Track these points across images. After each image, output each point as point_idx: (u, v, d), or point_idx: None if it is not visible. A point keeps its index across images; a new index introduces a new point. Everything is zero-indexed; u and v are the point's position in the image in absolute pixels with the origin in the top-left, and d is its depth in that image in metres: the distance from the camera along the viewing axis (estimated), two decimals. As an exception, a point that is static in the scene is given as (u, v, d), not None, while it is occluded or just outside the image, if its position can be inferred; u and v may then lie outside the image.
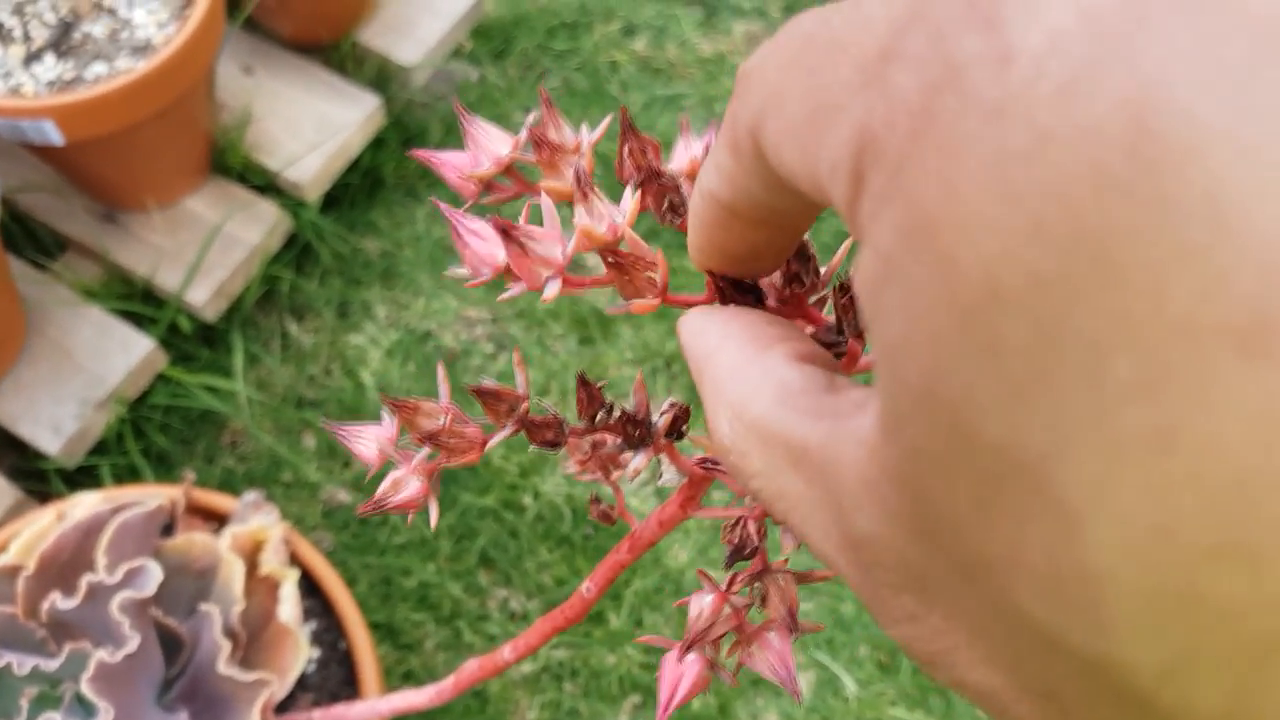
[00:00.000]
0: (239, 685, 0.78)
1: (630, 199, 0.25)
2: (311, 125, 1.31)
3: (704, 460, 0.30)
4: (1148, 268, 0.11)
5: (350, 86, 1.35)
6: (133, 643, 0.74)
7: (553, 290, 0.25)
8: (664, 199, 0.26)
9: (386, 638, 1.16)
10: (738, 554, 0.29)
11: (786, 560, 0.30)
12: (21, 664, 0.74)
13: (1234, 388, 0.10)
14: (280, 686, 0.80)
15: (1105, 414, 0.11)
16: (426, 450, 0.29)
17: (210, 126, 1.26)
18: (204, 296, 1.22)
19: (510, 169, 0.29)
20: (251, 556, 0.86)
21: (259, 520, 0.89)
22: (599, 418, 0.28)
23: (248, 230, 1.26)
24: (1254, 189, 0.10)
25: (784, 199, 0.18)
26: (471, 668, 0.51)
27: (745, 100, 0.17)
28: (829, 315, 0.26)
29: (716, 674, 0.31)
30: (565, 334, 1.31)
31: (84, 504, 0.87)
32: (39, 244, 1.28)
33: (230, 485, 1.22)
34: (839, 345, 0.25)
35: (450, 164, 0.29)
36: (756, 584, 0.30)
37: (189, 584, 0.84)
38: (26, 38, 1.14)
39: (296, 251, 1.33)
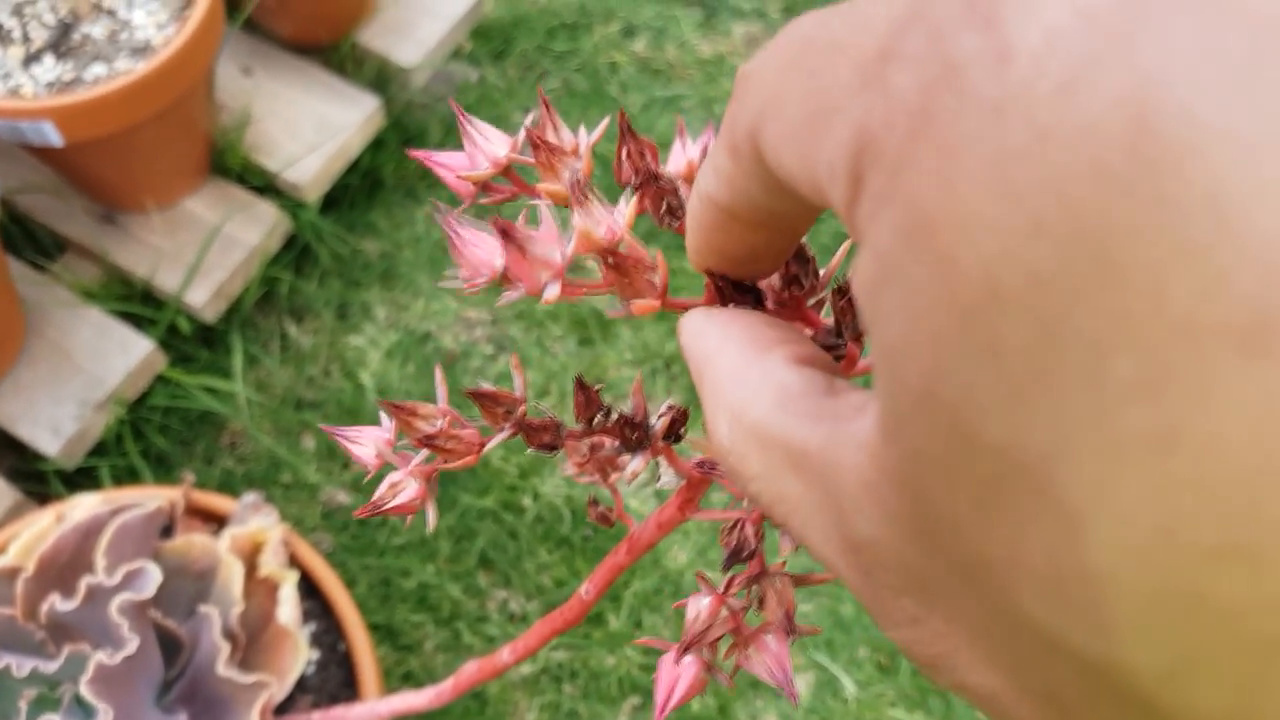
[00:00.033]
0: (238, 687, 0.78)
1: (626, 206, 0.25)
2: (311, 126, 1.31)
3: (702, 463, 0.30)
4: (1148, 267, 0.11)
5: (350, 87, 1.35)
6: (132, 644, 0.73)
7: (552, 293, 0.25)
8: (662, 201, 0.26)
9: (386, 639, 1.16)
10: (735, 556, 0.29)
11: (784, 563, 0.30)
12: (20, 666, 0.74)
13: (1235, 387, 0.10)
14: (279, 688, 0.80)
15: (1106, 414, 0.11)
16: (424, 453, 0.29)
17: (209, 127, 1.26)
18: (203, 297, 1.22)
19: (508, 170, 0.29)
20: (251, 558, 0.86)
21: (258, 522, 0.89)
22: (597, 420, 0.28)
23: (247, 231, 1.26)
24: (1254, 188, 0.10)
25: (783, 202, 0.18)
26: (470, 670, 0.51)
27: (744, 103, 0.17)
28: (828, 318, 0.26)
29: (714, 676, 0.31)
30: (565, 335, 1.31)
31: (83, 506, 0.87)
32: (38, 245, 1.28)
33: (229, 486, 1.22)
34: (838, 348, 0.25)
35: (448, 165, 0.29)
36: (754, 586, 0.30)
37: (188, 585, 0.84)
38: (26, 39, 1.14)
39: (296, 253, 1.33)
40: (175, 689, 0.81)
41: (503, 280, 0.26)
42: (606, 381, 1.29)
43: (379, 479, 0.30)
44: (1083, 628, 0.12)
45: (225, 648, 0.78)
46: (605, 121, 0.30)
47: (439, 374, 0.30)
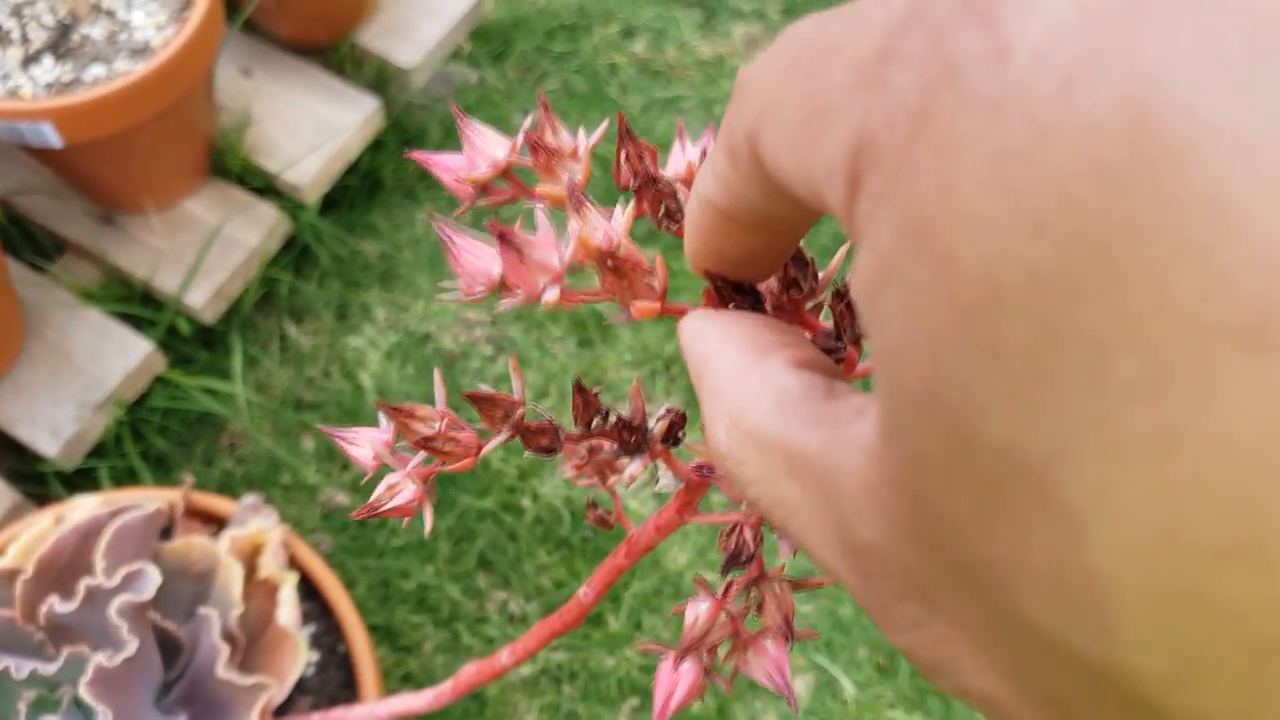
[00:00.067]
0: (238, 689, 0.78)
1: (623, 214, 0.25)
2: (310, 127, 1.31)
3: (701, 466, 0.30)
4: (1149, 266, 0.10)
5: (349, 88, 1.35)
6: (131, 646, 0.73)
7: (551, 297, 0.25)
8: (660, 204, 0.26)
9: (385, 640, 1.16)
10: (734, 561, 0.29)
11: (783, 567, 0.30)
12: (19, 668, 0.74)
13: (1238, 386, 0.10)
14: (279, 690, 0.80)
15: (1108, 414, 0.11)
16: (422, 455, 0.29)
17: (209, 129, 1.26)
18: (203, 299, 1.22)
19: (507, 172, 0.29)
20: (250, 560, 0.86)
21: (258, 523, 0.89)
22: (595, 424, 0.28)
23: (246, 232, 1.26)
24: (1255, 186, 0.10)
25: (781, 205, 0.18)
26: (469, 671, 0.51)
27: (742, 107, 0.17)
28: (827, 321, 0.26)
29: (712, 680, 0.31)
30: (564, 336, 1.31)
31: (82, 507, 0.87)
32: (37, 246, 1.28)
33: (229, 487, 1.22)
34: (837, 351, 0.25)
35: (447, 167, 0.29)
36: (753, 591, 0.30)
37: (187, 587, 0.84)
38: (25, 40, 1.14)
39: (295, 254, 1.33)
40: (174, 691, 0.81)
41: (500, 288, 0.25)
42: (606, 383, 1.29)
43: (377, 480, 0.30)
44: (1085, 630, 0.12)
45: (225, 649, 0.78)
46: (604, 124, 0.30)
47: (437, 376, 0.30)
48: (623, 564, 0.36)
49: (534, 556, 1.20)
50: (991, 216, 0.12)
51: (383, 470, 0.30)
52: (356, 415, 1.25)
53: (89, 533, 0.80)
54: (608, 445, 0.29)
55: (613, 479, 0.30)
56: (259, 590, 0.85)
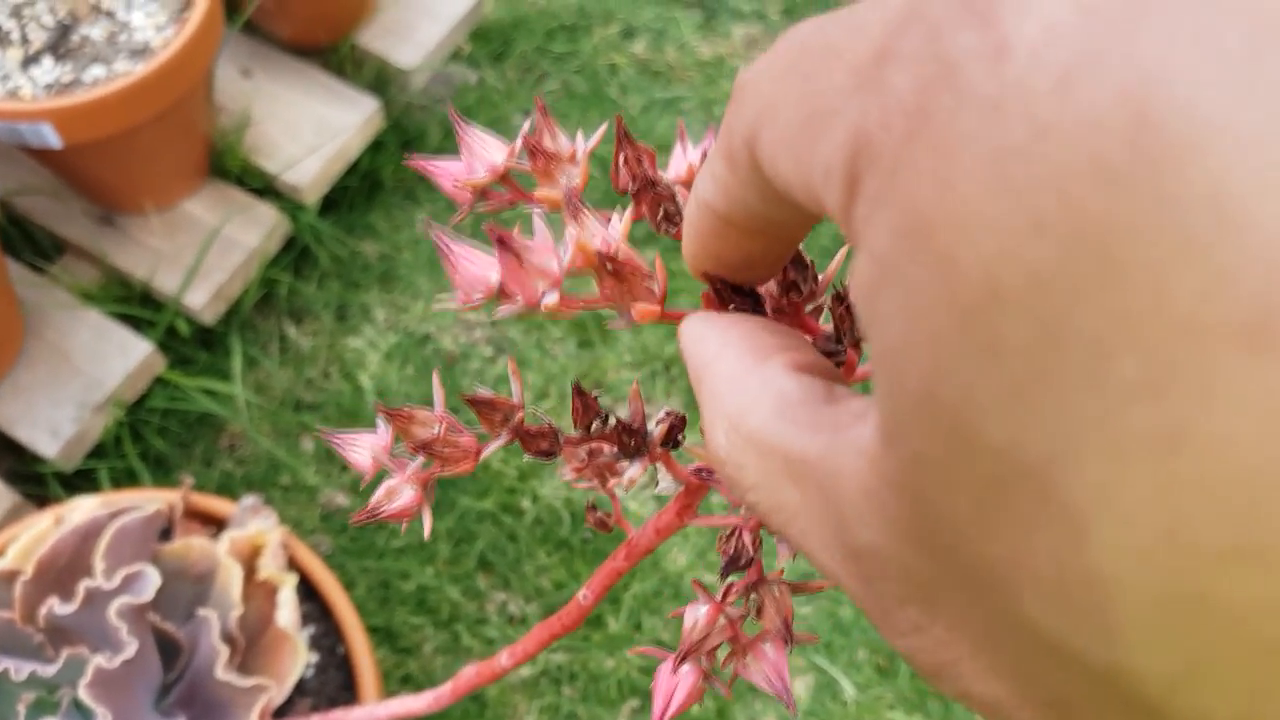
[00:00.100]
0: (237, 691, 0.78)
1: (619, 222, 0.25)
2: (310, 128, 1.31)
3: (700, 469, 0.30)
4: (1150, 265, 0.10)
5: (349, 89, 1.35)
6: (130, 648, 0.73)
7: (551, 302, 0.25)
8: (659, 208, 0.26)
9: (385, 641, 1.16)
10: (733, 565, 0.29)
11: (782, 570, 0.30)
12: (19, 669, 0.74)
13: (1240, 385, 0.10)
14: (278, 692, 0.80)
15: (1110, 415, 0.11)
16: (421, 459, 0.29)
17: (209, 129, 1.26)
18: (202, 299, 1.22)
19: (505, 177, 0.29)
20: (250, 561, 0.86)
21: (257, 524, 0.89)
22: (594, 427, 0.28)
23: (246, 233, 1.26)
24: (1256, 183, 0.10)
25: (780, 210, 0.18)
26: (469, 674, 0.51)
27: (740, 111, 0.17)
28: (826, 324, 0.25)
29: (711, 684, 0.31)
30: (564, 337, 1.31)
31: (82, 508, 0.87)
32: (37, 247, 1.28)
33: (228, 488, 1.22)
34: (837, 355, 0.25)
35: (445, 172, 0.29)
36: (752, 595, 0.30)
37: (187, 589, 0.84)
38: (24, 40, 1.14)
39: (295, 254, 1.33)
40: (174, 692, 0.81)
41: (499, 295, 0.25)
42: (606, 384, 1.29)
43: (377, 483, 0.30)
44: (1087, 633, 0.12)
45: (224, 651, 0.78)
46: (602, 128, 0.30)
47: (436, 379, 0.30)
48: (622, 567, 0.36)
49: (534, 558, 1.20)
50: (991, 216, 0.11)
51: (382, 474, 0.30)
52: (356, 416, 1.25)
53: (88, 534, 0.80)
54: (607, 448, 0.29)
55: (612, 482, 0.30)
56: (258, 592, 0.85)
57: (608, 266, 0.24)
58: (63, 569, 0.79)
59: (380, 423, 0.30)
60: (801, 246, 0.24)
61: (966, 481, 0.12)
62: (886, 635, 0.16)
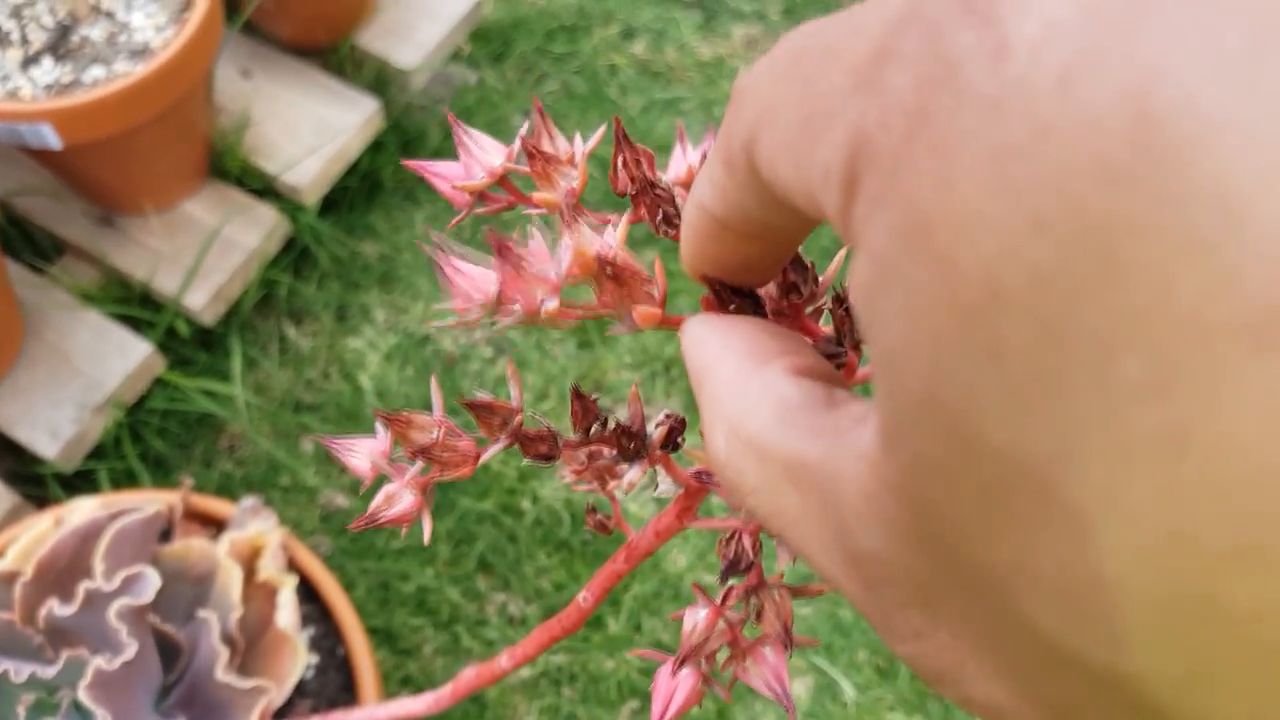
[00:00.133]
0: (237, 692, 0.78)
1: (614, 231, 0.25)
2: (310, 128, 1.31)
3: (700, 472, 0.30)
4: (1154, 263, 0.10)
5: (349, 90, 1.35)
6: (130, 650, 0.73)
7: (551, 307, 0.25)
8: (659, 210, 0.26)
9: (385, 643, 1.16)
10: (732, 569, 0.29)
11: (782, 574, 0.30)
12: (19, 671, 0.74)
13: (1246, 384, 0.10)
14: (278, 693, 0.80)
15: (1114, 415, 0.11)
16: (420, 463, 0.29)
17: (208, 130, 1.26)
18: (202, 300, 1.22)
19: (504, 180, 0.29)
20: (249, 562, 0.86)
21: (257, 526, 0.89)
22: (594, 430, 0.28)
23: (246, 234, 1.26)
24: (1259, 181, 0.10)
25: (778, 215, 0.18)
26: (469, 676, 0.51)
27: (739, 115, 0.17)
28: (827, 326, 0.25)
29: (711, 688, 0.31)
30: (564, 338, 1.31)
31: (81, 510, 0.87)
32: (36, 247, 1.28)
33: (228, 489, 1.22)
34: (838, 357, 0.25)
35: (443, 175, 0.29)
36: (752, 598, 0.30)
37: (187, 590, 0.84)
38: (24, 41, 1.14)
39: (295, 255, 1.33)
40: (174, 694, 0.80)
41: (497, 305, 0.25)
42: (606, 385, 1.29)
43: (376, 487, 0.30)
44: (1093, 637, 0.12)
45: (224, 653, 0.78)
46: (601, 129, 0.30)
47: (434, 383, 0.30)
48: (622, 569, 0.36)
49: (534, 559, 1.20)
50: (991, 215, 0.11)
51: (380, 479, 0.30)
52: (356, 417, 1.25)
53: (88, 535, 0.80)
54: (607, 451, 0.29)
55: (612, 484, 0.30)
56: (258, 593, 0.85)
57: (607, 271, 0.24)
58: (62, 570, 0.79)
59: (379, 427, 0.30)
60: (801, 248, 0.23)
61: (968, 484, 0.12)
62: (888, 640, 0.16)
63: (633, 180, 0.27)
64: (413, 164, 0.29)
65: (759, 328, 0.20)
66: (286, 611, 0.83)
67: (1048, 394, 0.11)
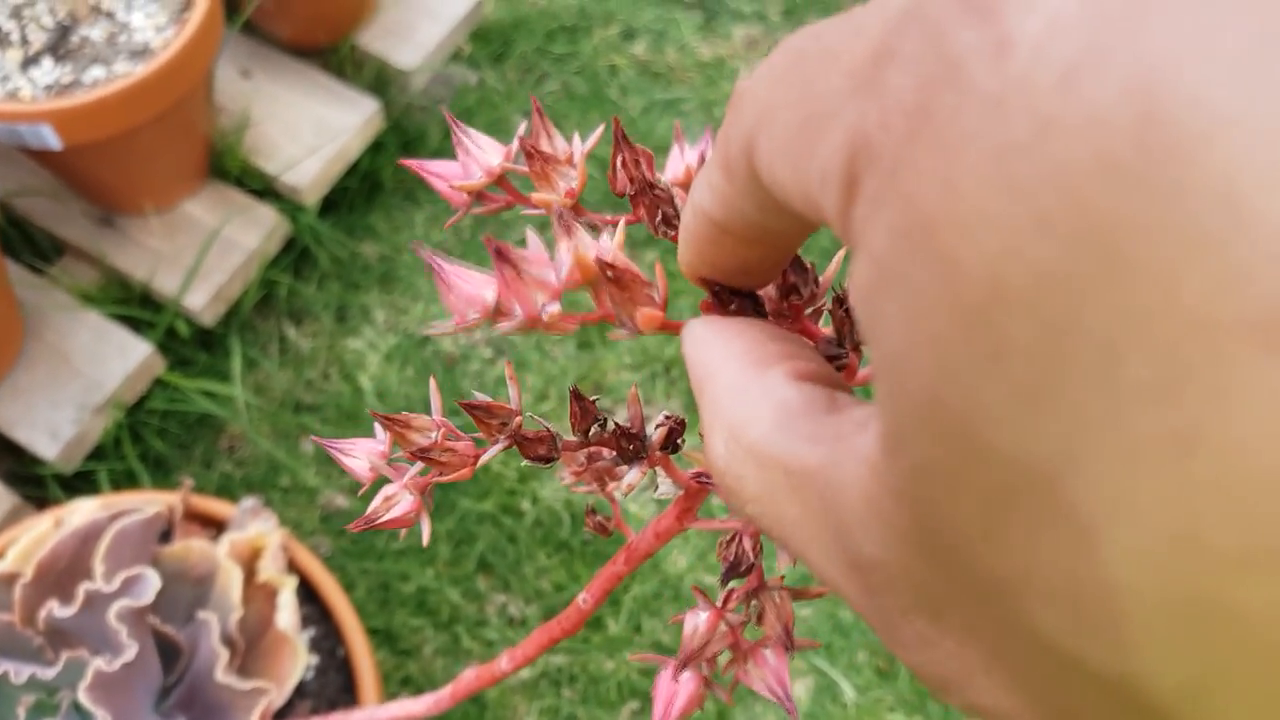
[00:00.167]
0: (237, 693, 0.77)
1: (610, 238, 0.25)
2: (310, 129, 1.31)
3: (700, 474, 0.30)
4: (1159, 262, 0.10)
5: (349, 90, 1.35)
6: (130, 651, 0.73)
7: (554, 311, 0.25)
8: (658, 210, 0.26)
9: (385, 643, 1.16)
10: (733, 571, 0.29)
11: (783, 576, 0.30)
12: (18, 672, 0.74)
13: (1255, 385, 0.10)
14: (278, 694, 0.80)
15: (1121, 417, 0.11)
16: (419, 465, 0.29)
17: (208, 130, 1.26)
18: (202, 301, 1.22)
19: (502, 179, 0.29)
20: (249, 563, 0.86)
21: (257, 527, 0.89)
22: (593, 432, 0.28)
23: (246, 234, 1.26)
24: (1267, 178, 0.10)
25: (777, 220, 0.17)
26: (469, 677, 0.51)
27: (738, 119, 0.17)
28: (827, 328, 0.25)
29: (712, 691, 0.31)
30: (564, 339, 1.31)
31: (81, 511, 0.87)
32: (36, 248, 1.28)
33: (228, 490, 1.21)
34: (839, 359, 0.25)
35: (442, 175, 0.29)
36: (752, 601, 0.30)
37: (187, 591, 0.84)
38: (24, 41, 1.14)
39: (295, 256, 1.33)
40: (174, 695, 0.80)
41: (495, 314, 0.25)
42: (605, 386, 1.29)
43: (376, 489, 0.30)
44: (1100, 644, 0.12)
45: (224, 654, 0.78)
46: (599, 130, 0.30)
47: (433, 385, 0.30)
48: (622, 571, 0.35)
49: (534, 559, 1.20)
50: (994, 214, 0.11)
51: (380, 480, 0.30)
52: (356, 418, 1.25)
53: (88, 537, 0.80)
54: (606, 453, 0.28)
55: (611, 486, 0.30)
56: (258, 594, 0.84)
57: (608, 274, 0.24)
58: (62, 571, 0.79)
59: (377, 429, 0.30)
60: (801, 249, 0.23)
61: (972, 489, 0.12)
62: (892, 647, 0.15)
63: (632, 181, 0.26)
64: (410, 163, 0.29)
65: (760, 331, 0.20)
66: (286, 612, 0.83)
67: (1052, 395, 0.11)
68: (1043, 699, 0.13)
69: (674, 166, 0.30)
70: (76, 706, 0.74)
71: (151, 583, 0.76)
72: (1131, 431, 0.11)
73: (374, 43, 1.41)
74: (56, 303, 1.20)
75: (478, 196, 0.29)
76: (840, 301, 0.25)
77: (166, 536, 0.88)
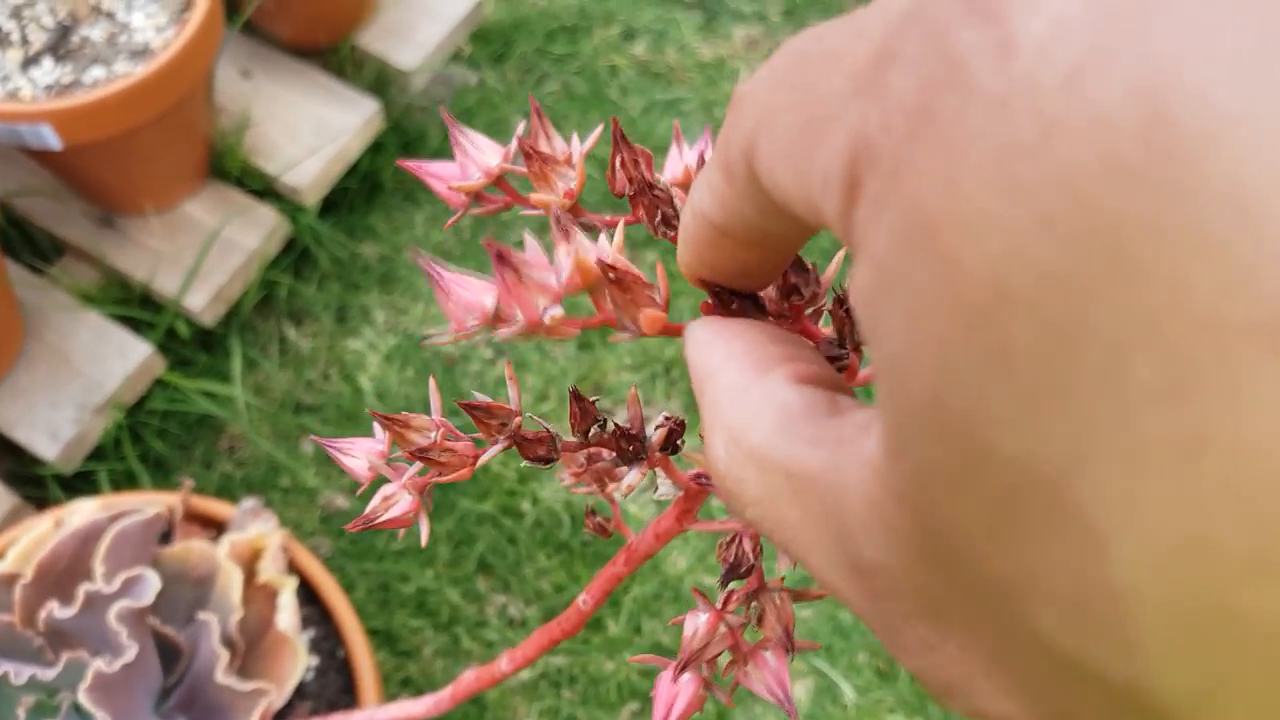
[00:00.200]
0: (237, 694, 0.77)
1: (609, 241, 0.25)
2: (310, 129, 1.31)
3: (699, 475, 0.30)
4: (1166, 263, 0.10)
5: (349, 90, 1.35)
6: (130, 652, 0.73)
7: (556, 314, 0.25)
8: (657, 211, 0.26)
9: (385, 644, 1.16)
10: (733, 572, 0.29)
11: (783, 578, 0.30)
12: (19, 673, 0.74)
13: (1265, 385, 0.10)
14: (278, 695, 0.80)
15: (1128, 419, 0.10)
16: (418, 465, 0.29)
17: (208, 131, 1.26)
18: (202, 301, 1.22)
19: (501, 180, 0.29)
20: (250, 564, 0.86)
21: (257, 527, 0.89)
22: (592, 433, 0.28)
23: (246, 235, 1.26)
24: (1274, 178, 0.10)
25: (778, 223, 0.17)
26: (468, 678, 0.51)
27: (738, 122, 0.17)
28: (827, 328, 0.25)
29: (712, 693, 0.31)
30: (564, 339, 1.31)
31: (82, 511, 0.87)
32: (36, 248, 1.28)
33: (228, 491, 1.21)
34: (840, 359, 0.24)
35: (440, 175, 0.29)
36: (752, 602, 0.30)
37: (187, 592, 0.84)
38: (24, 41, 1.14)
39: (295, 256, 1.33)
40: (174, 696, 0.80)
41: (494, 320, 0.25)
42: (606, 386, 1.29)
43: (375, 489, 0.30)
44: (1107, 650, 0.11)
45: (224, 655, 0.78)
46: (599, 129, 0.30)
47: (433, 385, 0.30)
48: (622, 572, 0.35)
49: (534, 560, 1.20)
50: (997, 215, 0.11)
51: (379, 480, 0.30)
52: (356, 418, 1.25)
53: (88, 537, 0.79)
54: (606, 453, 0.28)
55: (611, 487, 0.30)
56: (258, 595, 0.84)
57: (610, 276, 0.24)
58: (62, 572, 0.79)
59: (377, 429, 0.30)
60: (801, 250, 0.23)
61: (976, 493, 0.12)
62: (894, 652, 0.15)
63: (631, 181, 0.26)
64: (409, 164, 0.29)
65: (762, 333, 0.20)
66: (287, 613, 0.83)
67: (1058, 398, 0.11)
68: (1048, 705, 0.13)
69: (673, 167, 0.30)
70: (76, 707, 0.74)
71: (151, 584, 0.76)
72: (1139, 433, 0.10)
73: (374, 43, 1.41)
74: (56, 303, 1.20)
75: (476, 197, 0.29)
76: (841, 302, 0.25)
77: (167, 537, 0.87)
